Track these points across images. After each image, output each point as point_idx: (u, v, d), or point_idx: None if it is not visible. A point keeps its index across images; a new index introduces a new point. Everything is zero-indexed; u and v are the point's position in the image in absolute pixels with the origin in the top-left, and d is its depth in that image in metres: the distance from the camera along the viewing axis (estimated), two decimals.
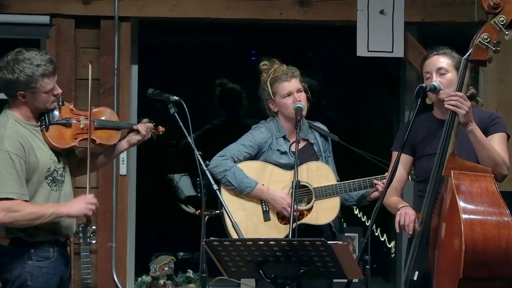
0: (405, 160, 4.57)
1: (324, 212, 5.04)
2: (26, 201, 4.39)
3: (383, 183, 4.98)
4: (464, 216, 4.05)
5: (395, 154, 4.56)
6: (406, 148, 4.53)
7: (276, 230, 5.04)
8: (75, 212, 4.49)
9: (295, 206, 4.82)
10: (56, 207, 4.45)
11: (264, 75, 5.14)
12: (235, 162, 5.05)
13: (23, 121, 4.48)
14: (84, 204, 4.49)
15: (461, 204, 4.09)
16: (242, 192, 5.04)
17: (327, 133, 5.24)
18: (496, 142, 4.38)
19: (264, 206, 5.07)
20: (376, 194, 5.06)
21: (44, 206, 4.42)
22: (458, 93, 4.25)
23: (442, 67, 4.44)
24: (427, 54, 4.53)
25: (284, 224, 5.05)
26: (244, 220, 4.98)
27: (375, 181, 5.03)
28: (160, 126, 4.89)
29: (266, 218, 5.08)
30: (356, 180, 5.03)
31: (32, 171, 4.44)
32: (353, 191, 5.08)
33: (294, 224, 4.82)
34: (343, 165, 5.32)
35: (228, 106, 7.60)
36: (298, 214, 4.93)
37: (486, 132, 4.39)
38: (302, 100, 5.04)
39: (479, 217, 4.07)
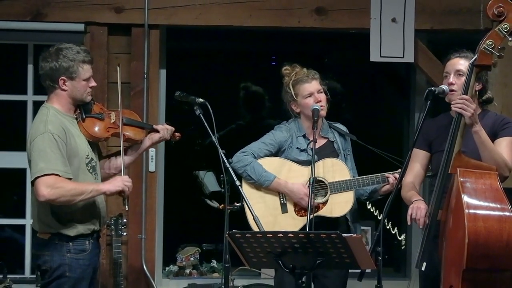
0: (422, 156, 4.60)
1: (338, 205, 5.06)
2: (68, 179, 4.44)
3: (395, 177, 5.01)
4: (467, 210, 4.05)
5: (415, 151, 4.59)
6: (423, 144, 4.56)
7: (293, 222, 5.06)
8: (114, 187, 4.55)
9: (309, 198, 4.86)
10: (96, 185, 4.54)
11: (286, 79, 5.18)
12: (255, 158, 5.08)
13: (62, 112, 4.57)
14: (121, 181, 4.56)
15: (465, 199, 4.09)
16: (262, 185, 5.06)
17: (345, 133, 5.26)
18: (503, 145, 4.37)
19: (281, 199, 5.10)
20: (387, 187, 5.09)
21: (84, 183, 4.49)
22: (464, 96, 4.25)
23: (460, 69, 4.44)
24: (450, 56, 4.53)
25: (301, 216, 5.08)
26: (263, 212, 5.00)
27: (386, 175, 5.06)
28: (176, 133, 4.96)
29: (284, 210, 5.10)
30: (369, 175, 5.05)
31: (72, 156, 4.50)
32: (366, 186, 5.10)
33: (311, 216, 4.83)
34: (361, 162, 5.34)
35: (251, 108, 7.61)
36: (314, 206, 4.95)
37: (496, 135, 4.39)
38: (322, 100, 5.08)
39: (482, 212, 4.07)
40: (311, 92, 5.10)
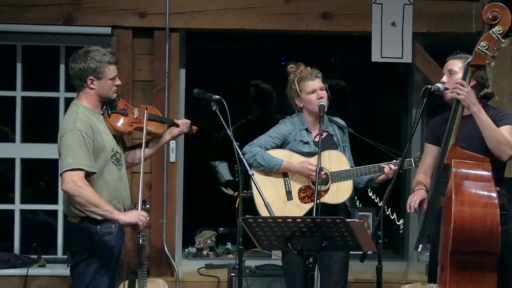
0: (432, 149, 4.58)
1: (339, 193, 5.05)
2: (93, 172, 4.42)
3: (390, 167, 4.99)
4: (456, 197, 4.02)
5: (426, 145, 4.56)
6: (432, 139, 4.55)
7: (298, 208, 5.06)
8: (129, 219, 4.51)
9: (315, 187, 4.87)
10: (113, 209, 4.48)
11: (292, 76, 5.17)
12: (262, 149, 5.07)
13: (90, 109, 4.57)
14: (136, 215, 4.53)
15: (456, 187, 4.06)
16: (272, 170, 5.05)
17: (343, 126, 5.25)
18: (504, 132, 4.27)
19: (287, 187, 5.08)
20: (382, 176, 5.09)
21: (105, 202, 4.44)
22: (459, 80, 4.22)
23: (452, 69, 4.42)
24: (446, 58, 4.51)
25: (304, 203, 5.08)
26: (273, 198, 4.99)
27: (382, 165, 5.03)
28: (193, 126, 4.96)
29: (289, 197, 5.09)
30: (366, 166, 5.03)
31: (100, 150, 4.50)
32: (364, 176, 5.09)
33: (318, 201, 4.83)
34: (358, 153, 5.31)
35: (260, 103, 7.59)
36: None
37: (496, 126, 4.29)
38: (324, 96, 5.08)
39: (469, 198, 4.03)
40: (314, 89, 5.10)
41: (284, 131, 5.15)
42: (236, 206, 4.87)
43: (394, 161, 5.04)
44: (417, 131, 6.39)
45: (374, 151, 5.25)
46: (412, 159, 5.05)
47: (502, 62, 5.97)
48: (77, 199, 4.40)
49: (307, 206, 5.06)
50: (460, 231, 3.96)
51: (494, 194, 4.03)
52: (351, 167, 5.12)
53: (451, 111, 4.45)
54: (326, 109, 5.07)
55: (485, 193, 4.05)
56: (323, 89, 5.12)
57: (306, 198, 5.08)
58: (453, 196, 4.02)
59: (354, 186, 5.13)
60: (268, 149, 5.10)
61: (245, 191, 4.92)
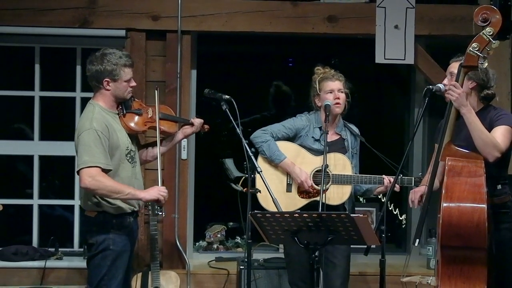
0: None
1: (336, 195, 5.07)
2: (109, 170, 4.46)
3: (390, 180, 4.97)
4: (446, 193, 4.02)
5: (435, 146, 4.54)
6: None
7: (294, 202, 5.11)
8: (150, 196, 4.54)
9: (315, 185, 4.95)
10: (134, 190, 4.51)
11: (315, 75, 5.20)
12: (273, 137, 5.10)
13: (106, 109, 4.59)
14: (157, 191, 4.55)
15: (447, 184, 4.06)
16: (273, 161, 5.10)
17: (356, 134, 5.25)
18: (497, 132, 4.25)
19: (288, 180, 5.11)
20: (381, 188, 5.08)
21: (124, 186, 4.48)
22: (453, 82, 4.22)
23: (453, 72, 4.40)
24: (450, 60, 4.50)
25: (302, 198, 5.12)
26: (278, 188, 5.01)
27: (384, 176, 5.02)
28: (205, 125, 4.99)
29: (288, 190, 5.13)
30: (368, 175, 5.04)
31: (115, 149, 4.53)
32: (363, 184, 5.10)
33: (311, 200, 4.95)
34: (363, 159, 5.32)
35: (278, 103, 7.58)
36: (315, 191, 5.01)
37: (492, 126, 4.28)
38: (341, 98, 5.08)
39: (458, 195, 4.01)
40: (332, 89, 5.12)
41: (298, 125, 5.18)
42: (246, 192, 4.87)
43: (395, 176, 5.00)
44: (419, 130, 6.40)
45: (379, 160, 5.25)
46: (412, 178, 5.04)
47: (501, 63, 5.97)
48: (99, 191, 4.43)
49: (303, 201, 5.09)
50: (448, 226, 3.95)
51: (483, 190, 4.01)
52: (355, 173, 5.13)
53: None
54: (341, 110, 5.12)
55: (474, 189, 4.03)
56: (341, 91, 5.13)
57: (305, 194, 5.11)
58: (443, 192, 4.03)
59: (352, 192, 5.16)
60: (279, 138, 5.13)
61: (255, 188, 4.93)
